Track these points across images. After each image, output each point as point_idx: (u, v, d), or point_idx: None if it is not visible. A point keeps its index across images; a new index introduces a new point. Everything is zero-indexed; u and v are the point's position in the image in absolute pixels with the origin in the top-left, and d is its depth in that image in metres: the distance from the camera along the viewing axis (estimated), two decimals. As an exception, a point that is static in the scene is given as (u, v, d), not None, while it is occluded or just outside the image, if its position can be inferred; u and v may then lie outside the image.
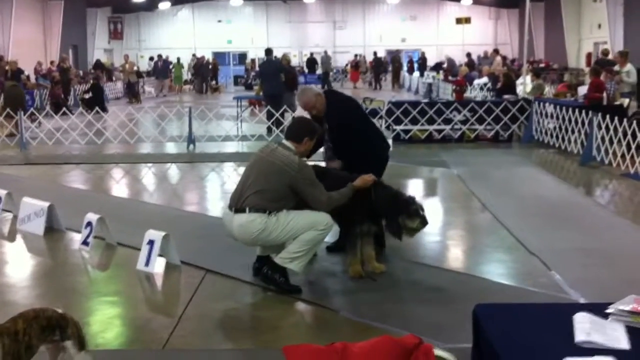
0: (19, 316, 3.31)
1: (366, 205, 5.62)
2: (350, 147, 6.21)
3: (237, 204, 5.33)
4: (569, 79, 27.37)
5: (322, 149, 6.50)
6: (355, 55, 37.75)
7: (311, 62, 37.09)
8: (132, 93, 27.57)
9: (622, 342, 2.80)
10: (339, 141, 6.32)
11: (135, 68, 29.33)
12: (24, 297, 5.51)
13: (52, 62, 28.00)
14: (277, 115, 14.69)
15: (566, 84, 16.55)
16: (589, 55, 31.56)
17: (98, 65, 31.58)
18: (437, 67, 32.72)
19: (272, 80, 15.92)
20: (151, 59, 33.43)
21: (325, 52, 36.74)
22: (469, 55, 29.86)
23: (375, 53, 37.63)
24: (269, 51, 17.41)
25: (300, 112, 8.85)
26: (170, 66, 33.44)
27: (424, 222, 5.58)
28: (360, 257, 5.78)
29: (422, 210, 5.61)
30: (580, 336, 2.81)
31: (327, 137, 6.35)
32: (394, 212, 5.54)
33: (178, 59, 34.01)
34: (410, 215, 5.52)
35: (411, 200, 5.62)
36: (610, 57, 19.83)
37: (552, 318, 3.06)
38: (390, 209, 5.55)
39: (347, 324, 4.88)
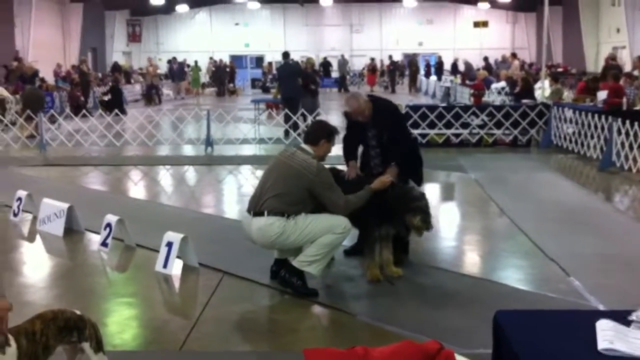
0: (37, 317, 3.33)
1: (384, 208, 5.61)
2: (399, 149, 6.20)
3: (256, 207, 5.35)
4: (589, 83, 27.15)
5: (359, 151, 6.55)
6: (372, 59, 37.74)
7: (325, 65, 37.10)
8: (149, 95, 27.81)
9: (645, 349, 2.77)
10: (390, 143, 6.25)
11: (158, 71, 29.51)
12: (42, 298, 5.55)
13: (73, 66, 28.23)
14: (295, 118, 14.70)
15: (584, 84, 16.43)
16: (607, 60, 31.30)
17: (116, 67, 31.81)
18: (454, 69, 32.60)
19: (289, 84, 15.93)
20: (168, 62, 33.60)
21: (342, 56, 36.80)
22: (486, 59, 29.74)
23: (390, 57, 37.62)
24: (286, 54, 17.45)
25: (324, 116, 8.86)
26: (188, 69, 33.60)
27: (425, 220, 5.50)
28: (378, 261, 5.77)
29: (427, 207, 5.56)
30: (603, 344, 2.78)
31: (372, 142, 6.37)
32: (401, 210, 5.54)
33: (196, 62, 34.16)
34: (414, 212, 5.50)
35: (418, 198, 5.59)
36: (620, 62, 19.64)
37: (574, 325, 3.04)
38: (398, 207, 5.56)
39: (364, 327, 4.87)
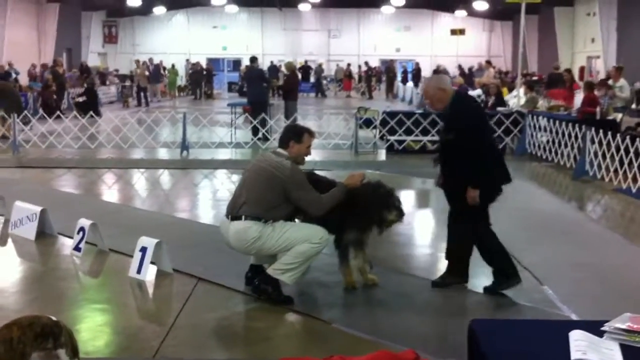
0: (14, 323, 3.28)
1: (357, 213, 5.61)
2: (460, 157, 5.52)
3: (233, 211, 5.34)
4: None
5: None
6: (348, 65, 37.90)
7: (305, 70, 37.15)
8: (139, 98, 27.71)
9: (617, 360, 2.80)
10: (450, 149, 5.66)
11: (146, 73, 29.33)
12: (13, 303, 5.47)
13: (43, 65, 27.83)
14: (255, 122, 14.77)
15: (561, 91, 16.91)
16: (581, 69, 31.70)
17: (85, 69, 31.05)
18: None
19: (255, 88, 16.25)
20: (143, 64, 33.37)
21: (320, 65, 37.04)
22: (460, 67, 30.00)
23: (366, 63, 37.76)
24: (253, 59, 17.59)
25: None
26: (165, 71, 33.37)
27: (400, 215, 5.64)
28: (354, 267, 5.78)
29: (400, 203, 5.70)
30: (576, 354, 2.81)
31: (441, 135, 5.96)
32: (374, 205, 5.57)
33: (173, 65, 33.99)
34: (388, 207, 5.59)
35: (390, 193, 5.68)
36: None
37: (548, 335, 3.06)
38: (371, 202, 5.58)
39: (339, 335, 4.86)
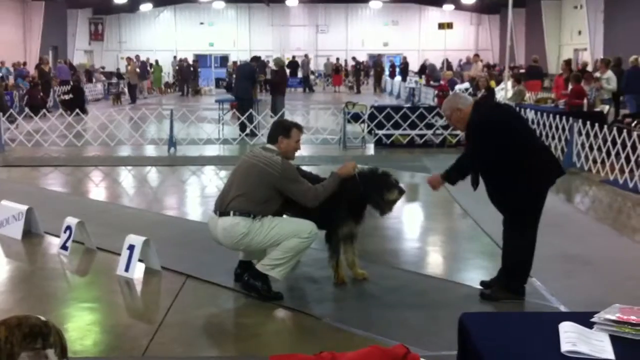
0: (2, 323, 3.24)
1: (352, 203, 5.61)
2: (492, 177, 5.32)
3: (222, 207, 5.32)
4: (549, 84, 27.60)
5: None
6: (337, 59, 37.86)
7: (293, 65, 37.10)
8: (132, 94, 27.60)
9: (607, 352, 2.79)
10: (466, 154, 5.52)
11: (137, 70, 29.19)
12: (1, 302, 5.42)
13: (24, 63, 27.60)
14: (243, 118, 14.78)
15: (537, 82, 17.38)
16: (568, 62, 31.80)
17: (70, 67, 30.73)
18: (422, 70, 32.80)
19: (242, 84, 16.25)
20: (135, 61, 33.21)
21: (306, 56, 36.87)
22: (446, 61, 30.04)
23: (354, 58, 37.74)
24: (256, 58, 17.61)
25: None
26: (150, 68, 33.25)
27: (401, 192, 5.68)
28: (344, 262, 5.77)
29: (397, 181, 5.76)
30: (566, 346, 2.80)
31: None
32: (376, 188, 5.59)
33: (156, 61, 33.90)
34: (388, 187, 5.62)
35: (387, 174, 5.73)
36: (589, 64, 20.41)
37: (538, 327, 3.05)
38: (373, 186, 5.60)
39: (330, 330, 4.85)
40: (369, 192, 5.59)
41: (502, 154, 5.14)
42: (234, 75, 21.20)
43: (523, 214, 5.28)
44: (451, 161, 5.57)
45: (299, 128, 5.62)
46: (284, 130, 5.52)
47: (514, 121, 5.38)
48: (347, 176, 5.58)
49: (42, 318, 3.42)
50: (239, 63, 27.84)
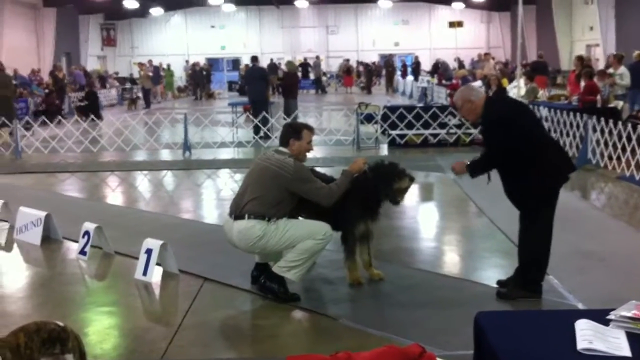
0: (21, 329, 3.29)
1: (360, 203, 5.63)
2: (506, 172, 5.35)
3: (237, 210, 5.36)
4: (561, 81, 27.49)
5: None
6: (346, 60, 37.91)
7: (304, 67, 37.17)
8: (146, 100, 27.80)
9: (624, 349, 2.80)
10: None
11: (150, 74, 29.39)
12: (21, 308, 5.49)
13: (38, 71, 27.77)
14: (257, 121, 14.85)
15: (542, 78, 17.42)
16: (579, 58, 31.65)
17: (84, 73, 30.71)
18: (435, 69, 32.73)
19: (255, 87, 16.29)
20: (149, 65, 33.42)
21: (318, 57, 36.93)
22: (458, 59, 29.98)
23: (359, 62, 37.70)
24: (254, 58, 17.63)
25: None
26: (162, 72, 33.44)
27: (411, 179, 5.74)
28: (359, 262, 5.79)
29: (406, 170, 5.79)
30: (582, 344, 2.81)
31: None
32: (386, 179, 5.64)
33: (168, 66, 34.10)
34: (399, 176, 5.67)
35: (394, 164, 5.78)
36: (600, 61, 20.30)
37: (554, 325, 3.06)
38: (382, 178, 5.64)
39: (346, 331, 4.87)
40: (378, 183, 5.62)
41: (514, 149, 5.17)
42: (245, 79, 21.31)
43: (537, 209, 5.28)
44: (465, 160, 5.58)
45: (310, 129, 5.66)
46: (294, 132, 5.55)
47: (525, 117, 5.41)
48: (358, 172, 5.62)
49: (60, 324, 3.47)
50: (245, 67, 28.14)
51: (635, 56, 15.12)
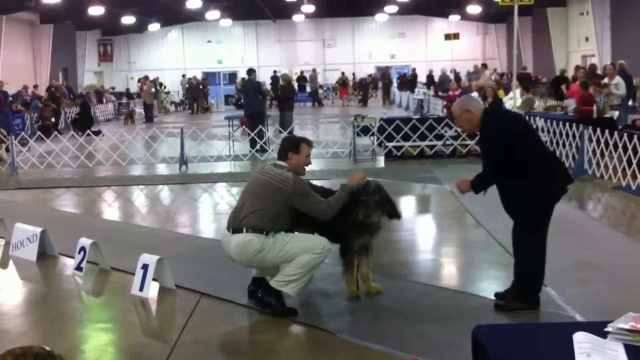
0: (7, 354, 3.24)
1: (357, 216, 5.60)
2: (502, 183, 5.34)
3: (235, 224, 5.34)
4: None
5: None
6: (342, 73, 38.04)
7: (301, 79, 37.27)
8: (147, 115, 27.93)
9: (622, 361, 2.79)
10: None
11: (152, 90, 29.46)
12: (17, 325, 5.46)
13: (35, 86, 27.80)
14: (253, 135, 14.86)
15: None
16: (577, 68, 31.75)
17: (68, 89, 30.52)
18: (430, 81, 32.83)
19: (251, 100, 16.27)
20: (139, 80, 33.50)
21: (314, 70, 37.04)
22: (454, 71, 30.09)
23: (353, 75, 37.82)
24: (250, 71, 17.61)
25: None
26: (160, 88, 33.55)
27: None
28: (356, 276, 5.76)
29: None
30: (580, 357, 2.79)
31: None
32: (356, 204, 5.52)
33: (160, 83, 34.34)
34: (363, 206, 5.50)
35: (372, 191, 5.59)
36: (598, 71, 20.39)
37: (552, 338, 3.05)
38: (355, 202, 5.54)
39: (345, 345, 4.85)
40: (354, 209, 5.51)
41: (511, 161, 5.16)
42: (242, 93, 21.34)
43: (533, 221, 5.27)
44: (462, 172, 5.60)
45: (308, 143, 5.65)
46: (293, 146, 5.55)
47: (522, 129, 5.41)
48: (357, 186, 5.60)
49: (47, 348, 3.43)
50: (241, 80, 28.18)
51: (620, 64, 15.23)
